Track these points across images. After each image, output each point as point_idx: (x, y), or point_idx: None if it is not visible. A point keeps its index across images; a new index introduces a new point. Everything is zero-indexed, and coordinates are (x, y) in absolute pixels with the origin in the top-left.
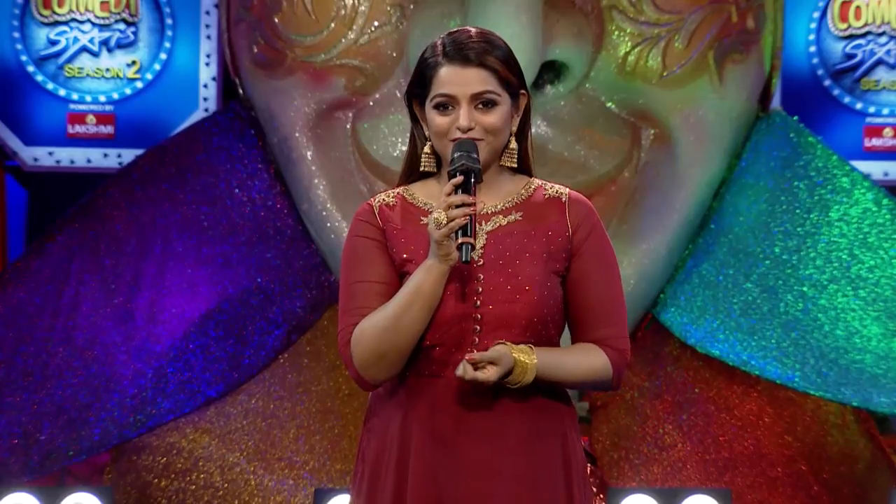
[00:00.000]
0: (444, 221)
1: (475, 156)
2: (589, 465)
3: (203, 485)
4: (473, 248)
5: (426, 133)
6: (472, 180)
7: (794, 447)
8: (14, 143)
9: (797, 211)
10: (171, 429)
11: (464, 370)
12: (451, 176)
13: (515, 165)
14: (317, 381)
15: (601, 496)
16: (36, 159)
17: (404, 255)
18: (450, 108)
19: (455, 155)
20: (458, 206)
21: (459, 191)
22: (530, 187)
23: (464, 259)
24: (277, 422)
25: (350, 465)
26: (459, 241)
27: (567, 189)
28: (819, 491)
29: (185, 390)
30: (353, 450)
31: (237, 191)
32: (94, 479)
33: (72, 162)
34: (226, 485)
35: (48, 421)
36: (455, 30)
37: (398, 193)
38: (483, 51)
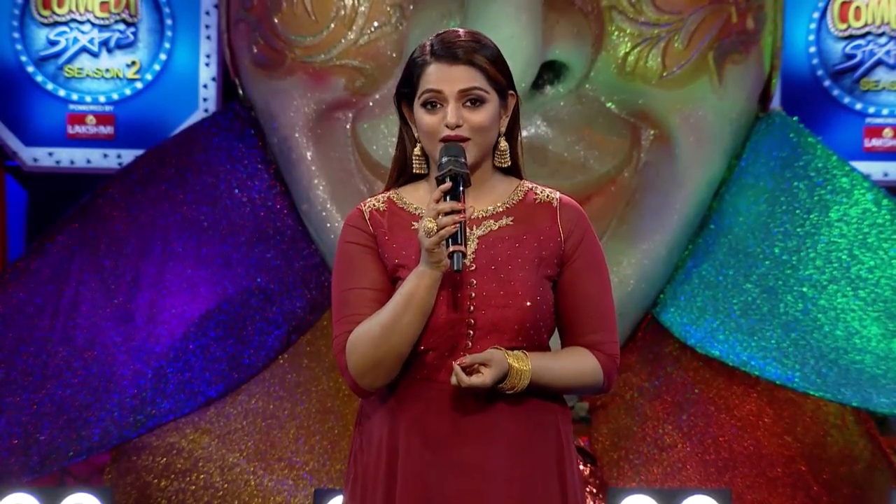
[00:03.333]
0: (434, 229)
1: (463, 160)
2: (589, 465)
3: (203, 485)
4: (465, 255)
5: (415, 134)
6: (461, 186)
7: (794, 447)
8: (14, 143)
9: (797, 211)
10: (171, 429)
11: (457, 378)
12: (440, 182)
13: (508, 164)
14: (317, 381)
15: (601, 496)
16: (36, 160)
17: (396, 261)
18: (437, 105)
19: (442, 160)
20: (447, 214)
21: (448, 197)
22: (520, 191)
23: (455, 268)
24: (277, 422)
25: None
26: (451, 249)
27: (557, 193)
28: (819, 491)
29: (185, 390)
30: None
31: (237, 191)
32: (94, 479)
33: (72, 162)
34: (226, 485)
35: (48, 421)
36: (444, 31)
37: (388, 198)
38: (471, 49)
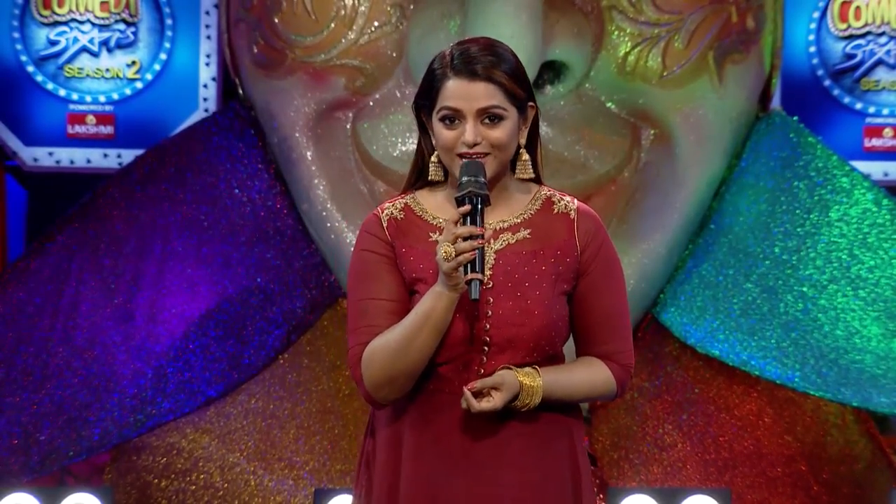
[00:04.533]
0: (453, 254)
1: (482, 180)
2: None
3: (203, 485)
4: (482, 283)
5: (433, 143)
6: (480, 207)
7: (794, 447)
8: (14, 143)
9: (797, 211)
10: (171, 429)
11: (467, 403)
12: (459, 202)
13: (533, 176)
14: (317, 381)
15: (601, 496)
16: (36, 159)
17: (414, 275)
18: (456, 121)
19: (462, 179)
20: (465, 238)
21: (467, 220)
22: (538, 200)
23: (473, 297)
24: (277, 422)
25: (350, 465)
26: (468, 276)
27: (576, 202)
28: (819, 491)
29: (185, 390)
30: (353, 450)
31: (237, 191)
32: (94, 479)
33: (72, 162)
34: (226, 485)
35: (48, 421)
36: (464, 40)
37: (405, 204)
38: (491, 65)
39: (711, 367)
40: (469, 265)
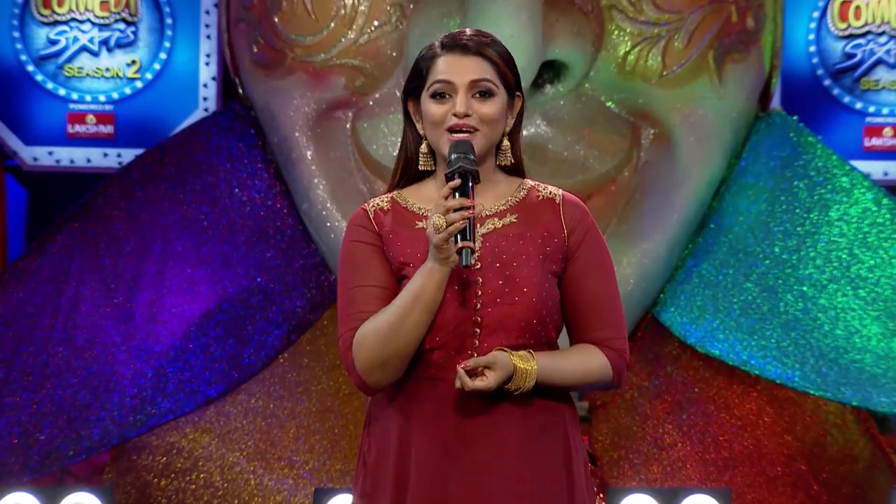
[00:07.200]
0: (443, 225)
1: (472, 157)
2: (589, 464)
3: (203, 484)
4: (473, 251)
5: (421, 132)
6: (470, 182)
7: (794, 447)
8: (14, 142)
9: (797, 211)
10: (171, 428)
11: (461, 381)
12: (449, 178)
13: (511, 162)
14: (317, 381)
15: (601, 496)
16: (36, 159)
17: (401, 259)
18: (447, 96)
19: (452, 157)
20: (456, 210)
21: (457, 194)
22: (523, 189)
23: (464, 263)
24: (277, 421)
25: (350, 464)
26: (459, 245)
27: (560, 190)
28: (819, 490)
29: (185, 390)
30: (353, 449)
31: (237, 191)
32: (94, 479)
33: (72, 162)
34: (226, 484)
35: (48, 421)
36: (451, 32)
37: (391, 198)
38: (482, 43)
39: (711, 367)
40: (459, 235)
